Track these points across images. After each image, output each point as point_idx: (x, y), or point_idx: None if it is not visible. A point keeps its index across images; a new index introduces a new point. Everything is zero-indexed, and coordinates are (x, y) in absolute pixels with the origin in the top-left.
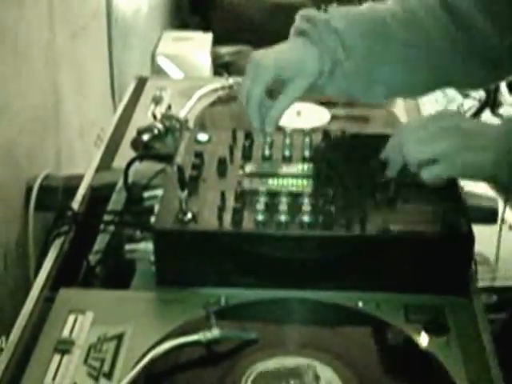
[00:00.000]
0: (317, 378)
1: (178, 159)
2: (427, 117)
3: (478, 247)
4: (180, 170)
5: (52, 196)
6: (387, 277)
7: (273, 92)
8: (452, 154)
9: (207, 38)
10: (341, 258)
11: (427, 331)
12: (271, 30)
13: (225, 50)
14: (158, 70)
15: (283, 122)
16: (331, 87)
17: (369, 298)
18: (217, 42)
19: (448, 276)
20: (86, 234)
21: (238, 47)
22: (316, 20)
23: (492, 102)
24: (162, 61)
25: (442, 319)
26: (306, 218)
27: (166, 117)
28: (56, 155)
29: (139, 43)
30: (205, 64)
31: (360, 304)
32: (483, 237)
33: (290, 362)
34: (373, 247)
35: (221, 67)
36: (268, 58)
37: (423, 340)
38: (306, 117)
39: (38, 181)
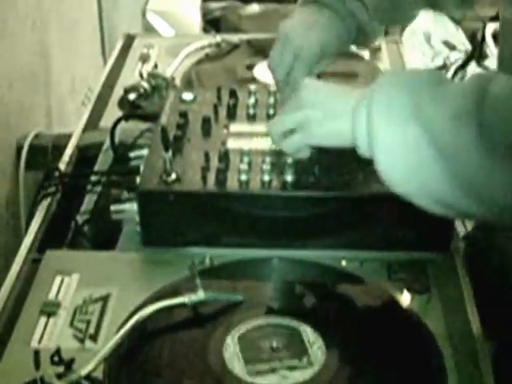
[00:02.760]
0: (300, 336)
1: (163, 119)
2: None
3: None
4: (163, 130)
5: (42, 155)
6: (370, 235)
7: None
8: (307, 122)
9: None
10: (325, 218)
11: (409, 290)
12: None
13: (214, 5)
14: (148, 27)
15: (268, 80)
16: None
17: (352, 257)
18: None
19: (430, 233)
20: (73, 194)
21: (227, 2)
22: None
23: (478, 54)
24: (151, 17)
25: (424, 277)
26: (289, 178)
27: (153, 75)
28: (47, 114)
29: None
30: (194, 20)
31: (343, 263)
32: None
33: (274, 321)
34: (356, 206)
35: (210, 23)
36: (310, 41)
37: (405, 298)
38: None
39: (29, 139)
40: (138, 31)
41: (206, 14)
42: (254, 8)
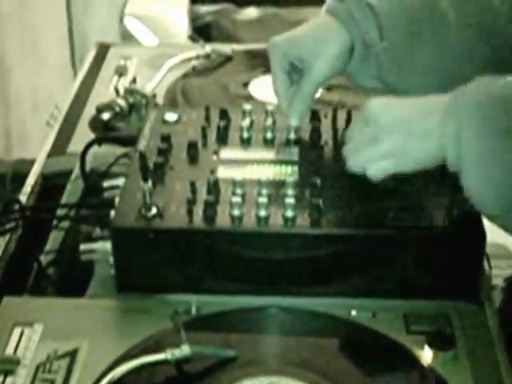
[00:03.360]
0: None
1: (142, 143)
2: (357, 118)
3: (492, 237)
4: (142, 156)
5: (0, 184)
6: (384, 280)
7: None
8: (394, 152)
9: None
10: (330, 260)
11: (431, 346)
12: None
13: (204, 9)
14: (126, 35)
15: (265, 97)
16: (364, 75)
17: (363, 306)
18: (195, 0)
19: (455, 278)
20: (36, 231)
21: (219, 5)
22: None
23: None
24: (130, 23)
25: (448, 330)
26: (289, 213)
27: (130, 91)
28: (5, 135)
29: (104, 2)
30: (181, 27)
31: (353, 313)
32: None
33: (272, 381)
34: (367, 246)
35: (199, 30)
36: (281, 38)
37: (426, 355)
38: None
39: None
40: (113, 39)
41: (194, 19)
42: (251, 13)
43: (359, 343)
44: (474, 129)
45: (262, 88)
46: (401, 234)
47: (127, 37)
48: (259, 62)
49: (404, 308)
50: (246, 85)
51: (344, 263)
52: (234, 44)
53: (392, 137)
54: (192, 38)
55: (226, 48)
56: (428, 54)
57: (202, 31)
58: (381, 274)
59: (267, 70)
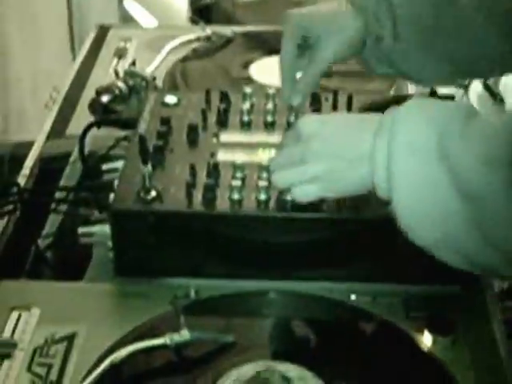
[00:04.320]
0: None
1: (142, 126)
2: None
3: None
4: (142, 139)
5: None
6: (384, 265)
7: None
8: (325, 175)
9: None
10: (330, 244)
11: (431, 330)
12: None
13: None
14: (125, 17)
15: (266, 80)
16: (377, 62)
17: (363, 290)
18: None
19: None
20: (34, 214)
21: None
22: None
23: None
24: (129, 5)
25: (448, 315)
26: (289, 197)
27: (130, 74)
28: (3, 118)
29: None
30: (180, 8)
31: (353, 297)
32: None
33: (270, 367)
34: (367, 230)
35: (199, 12)
36: (298, 10)
37: (426, 340)
38: None
39: None
40: (113, 21)
41: (194, 1)
42: None
43: (358, 327)
44: (404, 158)
45: (263, 70)
46: None
47: (127, 19)
48: (260, 44)
49: (404, 293)
50: (246, 67)
51: (344, 247)
52: (235, 26)
53: (320, 161)
54: (192, 20)
55: (227, 30)
56: (444, 46)
57: (201, 13)
58: (381, 258)
59: (268, 52)
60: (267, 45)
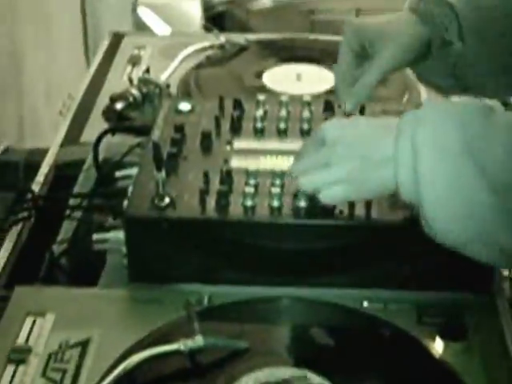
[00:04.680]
0: None
1: (155, 133)
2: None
3: None
4: (156, 146)
5: (12, 173)
6: (396, 272)
7: None
8: (351, 177)
9: None
10: (343, 250)
11: (443, 337)
12: None
13: None
14: (139, 24)
15: (279, 88)
16: (438, 71)
17: (375, 297)
18: None
19: (467, 270)
20: (48, 220)
21: None
22: None
23: None
24: (143, 12)
25: (460, 321)
26: (302, 204)
27: (144, 81)
28: (18, 124)
29: None
30: (194, 16)
31: (365, 304)
32: None
33: (283, 373)
34: (379, 237)
35: (213, 20)
36: (355, 21)
37: (438, 346)
38: (307, 81)
39: None
40: (127, 28)
41: (207, 9)
42: (265, 2)
43: (371, 334)
44: (430, 157)
45: (276, 78)
46: (412, 226)
47: (140, 26)
48: (273, 52)
49: (416, 299)
50: (259, 75)
51: (356, 254)
52: (248, 34)
53: (345, 164)
54: (206, 28)
55: (240, 38)
56: (507, 55)
57: (215, 21)
58: (393, 265)
59: (281, 60)
60: (280, 53)
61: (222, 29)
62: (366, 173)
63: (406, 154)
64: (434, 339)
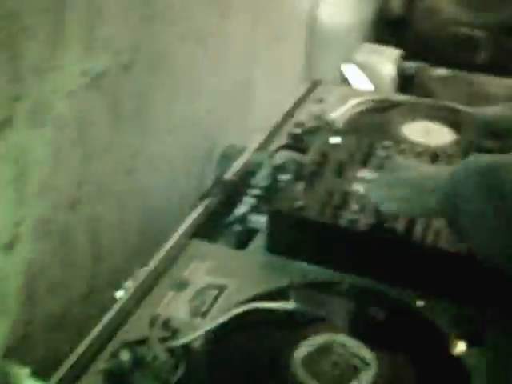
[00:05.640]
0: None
1: (309, 156)
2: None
3: None
4: (301, 165)
5: None
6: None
7: None
8: (407, 199)
9: (396, 53)
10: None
11: (464, 340)
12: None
13: (408, 64)
14: (341, 78)
15: (411, 137)
16: None
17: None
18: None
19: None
20: (230, 200)
21: (420, 63)
22: None
23: None
24: (347, 68)
25: (482, 330)
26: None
27: (318, 117)
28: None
29: (337, 53)
30: (390, 77)
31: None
32: None
33: (332, 338)
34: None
35: (404, 80)
36: None
37: (459, 346)
38: (433, 135)
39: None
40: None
41: (401, 71)
42: (444, 71)
43: (409, 326)
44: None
45: (412, 131)
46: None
47: (342, 80)
48: (419, 113)
49: (455, 310)
50: (401, 126)
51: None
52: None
53: (403, 188)
54: (401, 87)
55: (396, 97)
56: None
57: (405, 82)
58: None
59: (420, 118)
60: (423, 113)
61: (411, 89)
62: (416, 197)
63: (451, 201)
64: (457, 341)
